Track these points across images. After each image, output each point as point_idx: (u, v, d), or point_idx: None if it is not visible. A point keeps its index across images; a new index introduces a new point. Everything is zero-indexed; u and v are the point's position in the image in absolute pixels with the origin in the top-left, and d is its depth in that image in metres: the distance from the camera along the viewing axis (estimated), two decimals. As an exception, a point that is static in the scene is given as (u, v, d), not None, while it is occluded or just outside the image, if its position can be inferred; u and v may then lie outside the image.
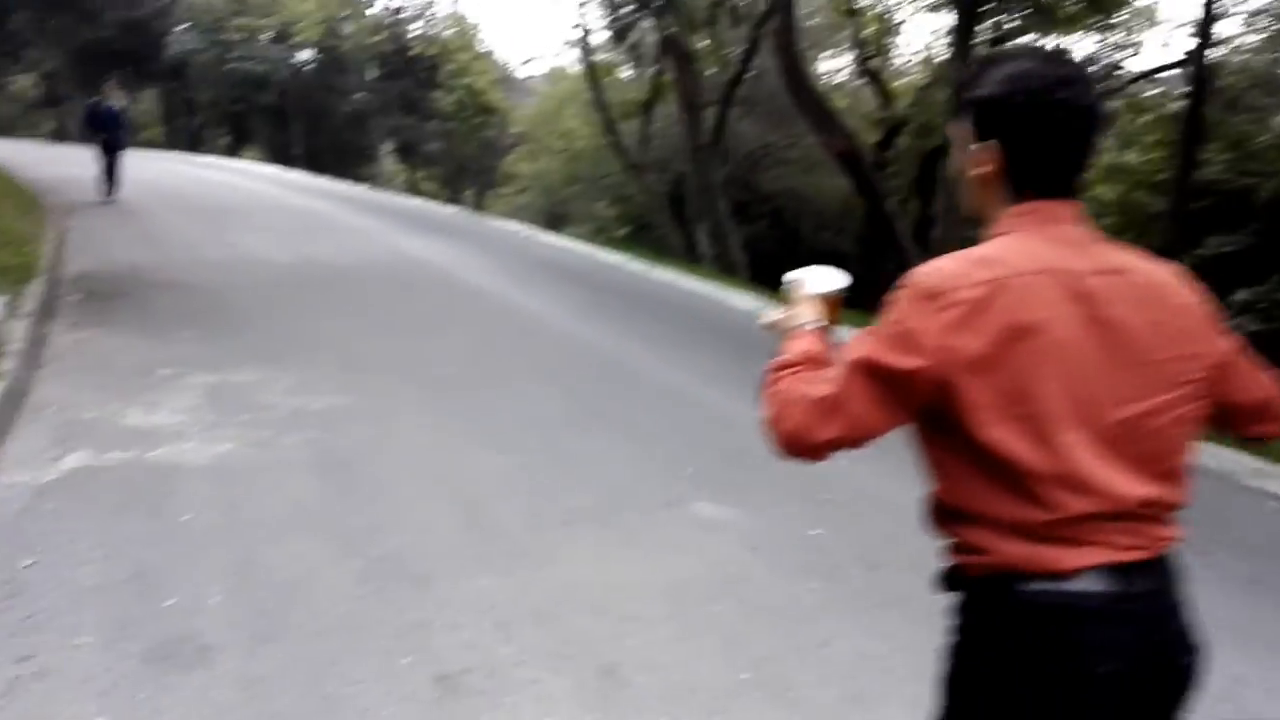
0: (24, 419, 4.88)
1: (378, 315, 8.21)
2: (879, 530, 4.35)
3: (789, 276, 1.72)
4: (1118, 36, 16.34)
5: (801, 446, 1.43)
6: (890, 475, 5.14)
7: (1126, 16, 14.23)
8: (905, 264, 9.81)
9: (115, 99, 14.07)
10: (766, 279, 16.49)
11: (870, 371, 1.36)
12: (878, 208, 13.74)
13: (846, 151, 12.90)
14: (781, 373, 1.49)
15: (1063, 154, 1.40)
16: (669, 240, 18.95)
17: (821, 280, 1.69)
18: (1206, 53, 9.12)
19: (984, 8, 11.82)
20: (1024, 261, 1.34)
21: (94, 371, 5.82)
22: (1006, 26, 13.42)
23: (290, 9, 28.86)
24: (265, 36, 32.16)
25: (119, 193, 13.92)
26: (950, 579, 1.49)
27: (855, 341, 1.39)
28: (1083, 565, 1.31)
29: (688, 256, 17.72)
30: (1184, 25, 28.54)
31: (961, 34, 11.70)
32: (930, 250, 14.13)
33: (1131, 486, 1.33)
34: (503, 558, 3.75)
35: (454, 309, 8.85)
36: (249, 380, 5.83)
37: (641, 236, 22.87)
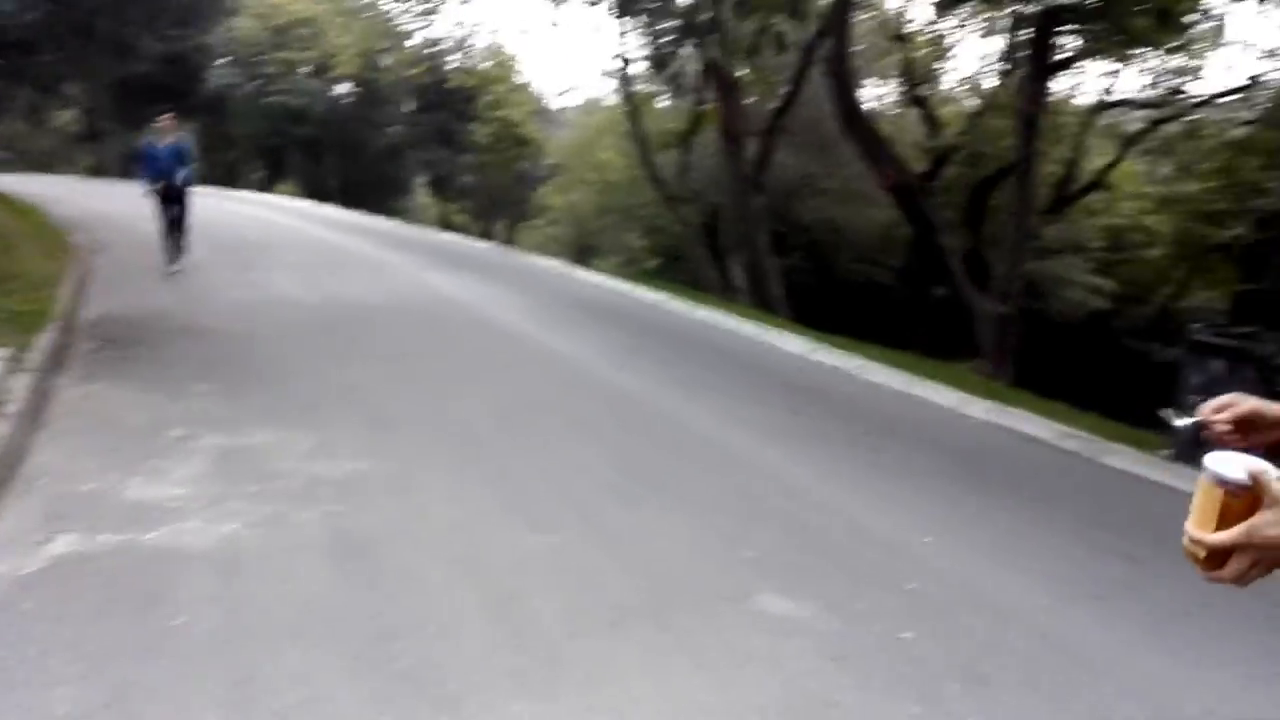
0: (14, 491, 4.41)
1: (407, 363, 7.74)
2: (978, 634, 3.74)
3: (1227, 470, 1.28)
4: (1178, 60, 15.64)
5: None
6: (981, 559, 4.54)
7: (1193, 39, 13.54)
8: (959, 298, 9.16)
9: (171, 135, 11.19)
10: (806, 315, 15.94)
11: None
12: (931, 240, 13.11)
13: (899, 183, 12.31)
14: None
15: None
16: (702, 273, 18.43)
17: (1261, 463, 1.28)
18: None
19: (1059, 27, 11.23)
20: None
21: (98, 432, 5.36)
22: (1073, 47, 12.81)
23: (330, 41, 28.84)
24: (304, 70, 32.22)
25: (187, 258, 11.43)
26: None
27: None
28: None
29: (721, 289, 17.17)
30: (1252, 46, 27.82)
31: (1036, 55, 11.13)
32: (986, 285, 13.48)
33: None
34: (543, 673, 3.19)
35: (488, 355, 8.36)
36: (264, 442, 5.35)
37: (673, 268, 22.38)
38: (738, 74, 17.91)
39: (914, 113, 20.75)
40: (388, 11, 28.18)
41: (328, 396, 6.47)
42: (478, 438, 5.82)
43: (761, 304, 16.00)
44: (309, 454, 5.19)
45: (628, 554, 4.24)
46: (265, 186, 35.37)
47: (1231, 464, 1.28)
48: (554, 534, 4.37)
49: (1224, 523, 1.27)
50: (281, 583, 3.69)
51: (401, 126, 34.01)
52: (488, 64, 31.99)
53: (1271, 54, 14.88)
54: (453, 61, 30.82)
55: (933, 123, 18.37)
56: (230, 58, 32.40)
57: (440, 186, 35.81)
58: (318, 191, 33.13)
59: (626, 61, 19.20)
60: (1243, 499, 1.26)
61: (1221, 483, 1.27)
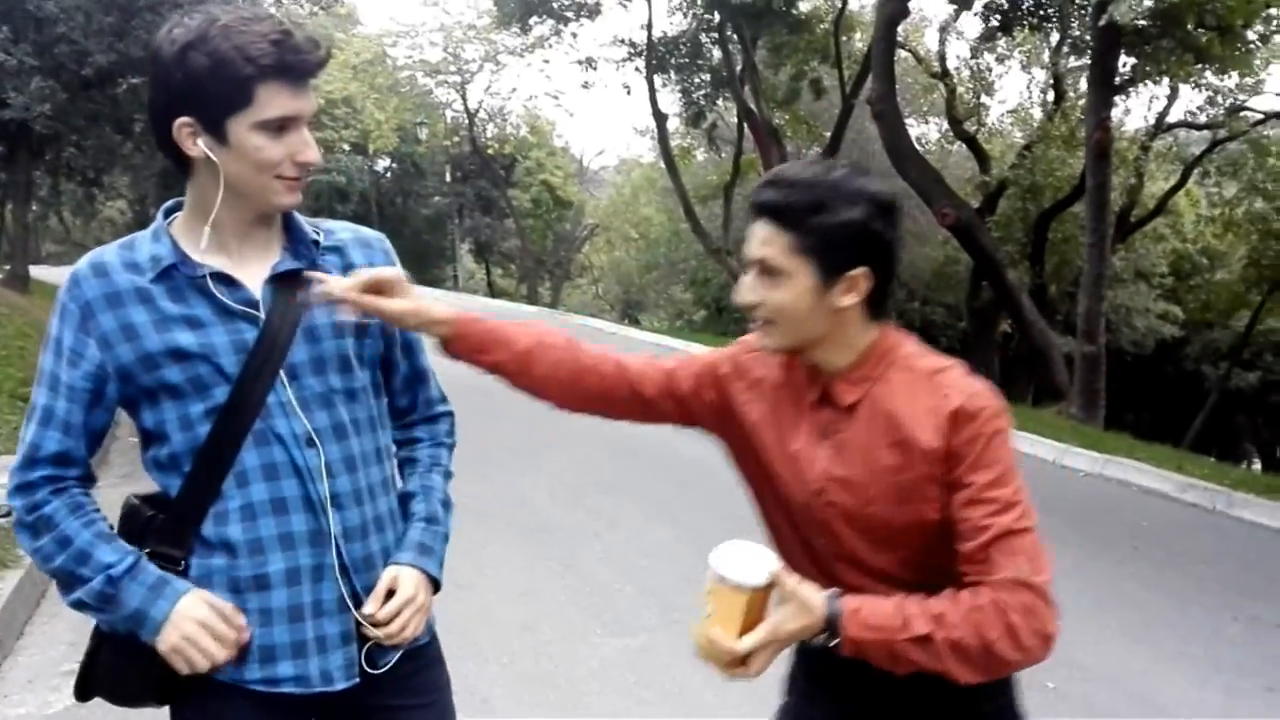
0: (41, 615, 4.02)
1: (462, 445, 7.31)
2: None
3: (747, 575, 1.24)
4: (1235, 78, 14.99)
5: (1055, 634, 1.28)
6: (1123, 644, 3.85)
7: (1253, 53, 12.94)
8: (1029, 336, 8.46)
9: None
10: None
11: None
12: (995, 278, 12.50)
13: (959, 220, 11.77)
14: (956, 618, 1.25)
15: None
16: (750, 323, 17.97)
17: (768, 556, 1.28)
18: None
19: (1121, 49, 10.78)
20: None
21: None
22: (1132, 68, 12.33)
23: (368, 117, 29.17)
24: (345, 148, 32.61)
25: None
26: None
27: (1017, 508, 1.31)
28: None
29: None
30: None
31: (1103, 77, 10.71)
32: (1054, 320, 12.80)
33: None
34: None
35: (548, 431, 7.91)
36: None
37: (721, 319, 22.00)
38: (776, 121, 17.63)
39: (958, 150, 20.26)
40: (423, 86, 28.46)
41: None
42: (539, 525, 5.37)
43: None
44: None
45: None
46: (311, 264, 35.62)
47: (745, 564, 1.25)
48: (633, 637, 3.88)
49: (748, 621, 1.24)
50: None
51: (442, 197, 34.25)
52: (524, 130, 32.21)
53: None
54: (489, 130, 31.05)
55: (981, 157, 17.85)
56: (272, 140, 32.86)
57: (483, 252, 35.94)
58: (363, 266, 33.30)
59: (662, 118, 19.02)
60: (760, 595, 1.25)
61: (744, 588, 1.23)
